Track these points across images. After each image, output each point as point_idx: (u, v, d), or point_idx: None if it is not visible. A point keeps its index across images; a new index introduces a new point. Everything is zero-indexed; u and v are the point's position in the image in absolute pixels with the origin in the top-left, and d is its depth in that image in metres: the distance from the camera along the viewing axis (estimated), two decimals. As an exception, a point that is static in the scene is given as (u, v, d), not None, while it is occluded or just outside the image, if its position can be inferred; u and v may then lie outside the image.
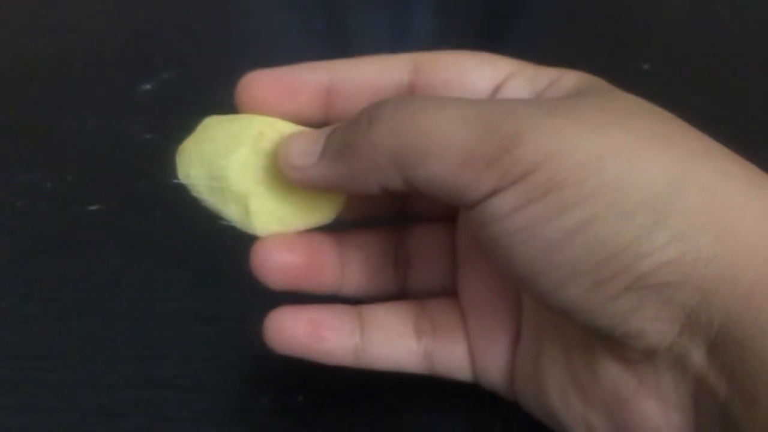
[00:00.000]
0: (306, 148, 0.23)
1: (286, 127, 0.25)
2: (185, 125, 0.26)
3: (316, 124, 0.26)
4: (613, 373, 0.22)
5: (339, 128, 0.23)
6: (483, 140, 0.20)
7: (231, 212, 0.25)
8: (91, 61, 0.47)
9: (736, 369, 0.19)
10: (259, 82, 0.26)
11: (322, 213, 0.26)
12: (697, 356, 0.20)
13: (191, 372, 0.29)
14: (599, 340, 0.22)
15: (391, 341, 0.26)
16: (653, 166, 0.20)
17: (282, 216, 0.25)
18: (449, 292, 0.27)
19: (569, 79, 0.24)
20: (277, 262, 0.25)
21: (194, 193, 0.25)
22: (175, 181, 0.25)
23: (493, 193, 0.20)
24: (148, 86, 0.44)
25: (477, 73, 0.25)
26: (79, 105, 0.43)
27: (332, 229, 0.27)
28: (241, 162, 0.25)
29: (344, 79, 0.26)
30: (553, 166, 0.20)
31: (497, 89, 0.25)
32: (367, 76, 0.26)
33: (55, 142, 0.40)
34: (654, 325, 0.20)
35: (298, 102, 0.26)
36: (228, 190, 0.25)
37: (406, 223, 0.29)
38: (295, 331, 0.25)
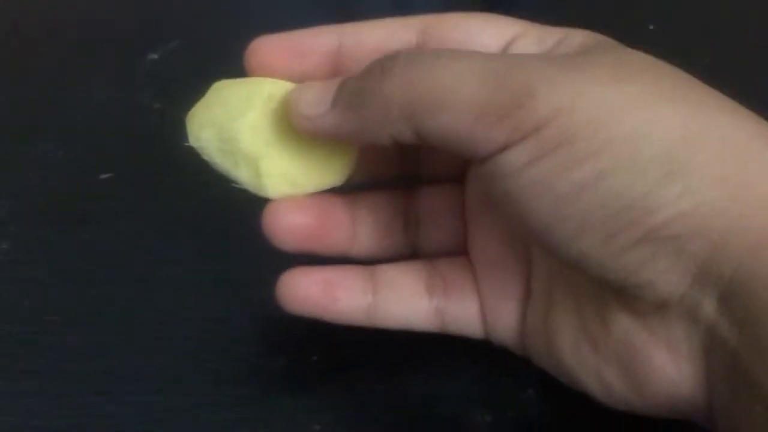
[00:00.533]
0: (317, 97, 0.23)
1: None
2: (193, 93, 0.26)
3: None
4: (624, 325, 0.22)
5: (351, 78, 0.23)
6: (495, 94, 0.20)
7: (242, 175, 0.25)
8: (98, 31, 0.47)
9: (747, 319, 0.19)
10: (269, 47, 0.26)
11: (333, 174, 0.26)
12: (709, 307, 0.20)
13: (206, 335, 0.30)
14: (611, 292, 0.22)
15: (403, 300, 0.26)
16: (666, 120, 0.20)
17: (293, 178, 0.25)
18: (460, 251, 0.28)
19: (576, 37, 0.24)
20: (289, 224, 0.26)
21: (205, 157, 0.26)
22: (186, 144, 0.25)
23: (505, 147, 0.21)
24: (155, 56, 0.44)
25: (484, 34, 0.25)
26: (87, 76, 0.43)
27: (343, 191, 0.27)
28: (251, 124, 0.25)
29: (353, 43, 0.26)
30: (565, 120, 0.20)
31: (505, 50, 0.25)
32: (375, 38, 0.26)
33: (65, 113, 0.40)
34: (666, 276, 0.20)
35: (308, 66, 0.26)
36: (239, 153, 0.25)
37: (416, 184, 0.29)
38: (308, 292, 0.26)
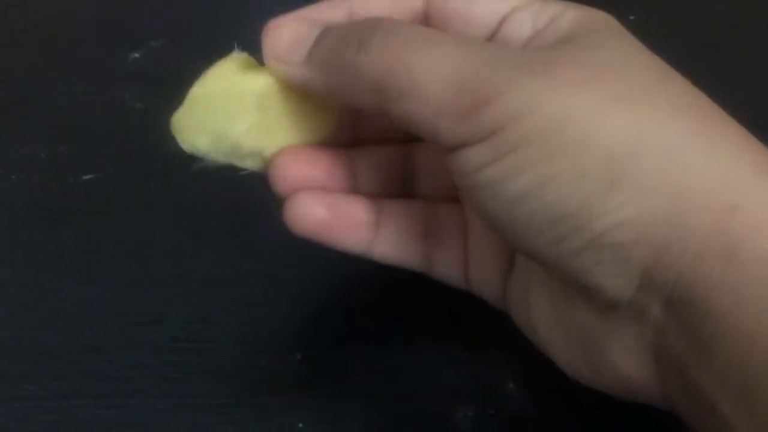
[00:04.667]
0: (294, 43, 0.24)
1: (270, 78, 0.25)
2: (176, 93, 0.26)
3: None
4: (584, 315, 0.23)
5: (329, 36, 0.23)
6: (456, 95, 0.21)
7: (247, 165, 0.26)
8: (79, 31, 0.46)
9: (691, 326, 0.20)
10: (285, 28, 0.25)
11: (317, 130, 0.26)
12: (655, 312, 0.21)
13: (190, 335, 0.30)
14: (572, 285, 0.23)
15: (400, 241, 0.27)
16: (612, 128, 0.20)
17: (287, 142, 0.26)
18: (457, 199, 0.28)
19: (568, 19, 0.24)
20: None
21: (202, 158, 0.26)
22: (183, 149, 0.25)
23: (464, 144, 0.21)
24: (136, 55, 0.44)
25: (484, 5, 0.25)
26: (68, 76, 0.43)
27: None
28: (250, 128, 0.25)
29: (363, 12, 0.25)
30: (520, 126, 0.20)
31: (502, 22, 0.25)
32: (384, 6, 0.26)
33: (47, 114, 0.40)
34: (613, 281, 0.21)
35: None
36: (242, 152, 0.25)
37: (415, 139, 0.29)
38: (316, 218, 0.26)
